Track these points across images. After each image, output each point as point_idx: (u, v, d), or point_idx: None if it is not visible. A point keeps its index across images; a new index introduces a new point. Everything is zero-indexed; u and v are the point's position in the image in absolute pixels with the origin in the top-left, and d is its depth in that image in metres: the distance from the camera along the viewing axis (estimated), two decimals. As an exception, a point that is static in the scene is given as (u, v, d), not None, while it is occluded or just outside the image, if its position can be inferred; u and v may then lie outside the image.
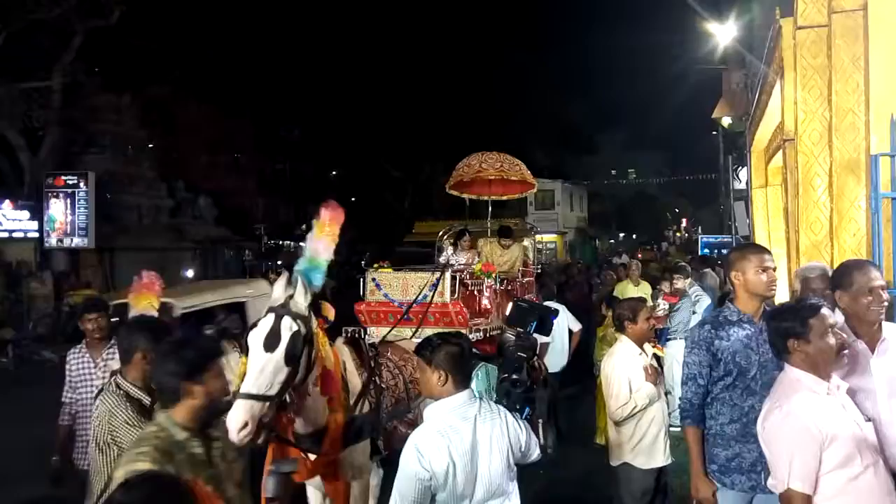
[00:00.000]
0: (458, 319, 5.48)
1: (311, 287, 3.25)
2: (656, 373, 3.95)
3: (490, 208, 8.63)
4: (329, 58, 31.02)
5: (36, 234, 19.12)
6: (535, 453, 2.80)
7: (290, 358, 3.01)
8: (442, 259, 7.23)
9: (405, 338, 5.07)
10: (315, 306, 3.33)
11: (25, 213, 18.91)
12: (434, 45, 31.77)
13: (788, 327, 2.53)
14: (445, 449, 2.49)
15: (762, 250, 3.12)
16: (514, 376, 3.27)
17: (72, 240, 19.34)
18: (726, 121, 18.11)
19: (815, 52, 4.28)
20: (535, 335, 3.92)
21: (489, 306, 6.01)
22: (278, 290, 3.19)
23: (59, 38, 18.65)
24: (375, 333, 5.55)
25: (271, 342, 3.00)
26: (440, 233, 7.98)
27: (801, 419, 2.37)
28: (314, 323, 3.25)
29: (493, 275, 6.10)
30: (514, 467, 2.68)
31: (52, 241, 19.27)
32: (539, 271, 8.08)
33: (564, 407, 6.52)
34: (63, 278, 18.67)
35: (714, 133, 23.40)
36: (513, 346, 3.47)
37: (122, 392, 3.03)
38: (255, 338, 3.03)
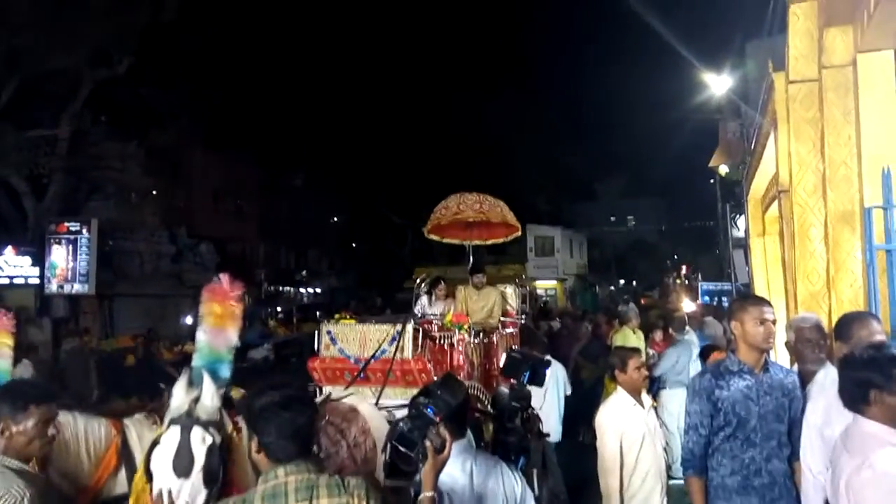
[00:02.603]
0: (421, 378, 4.90)
1: (218, 382, 2.75)
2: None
3: (471, 255, 8.07)
4: (330, 105, 31.51)
5: (37, 281, 19.12)
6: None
7: (211, 478, 2.51)
8: (416, 309, 6.74)
9: (350, 395, 4.48)
10: (225, 399, 2.87)
11: (27, 260, 18.95)
12: (434, 93, 32.33)
13: (870, 378, 2.37)
14: (446, 498, 2.48)
15: (762, 302, 3.15)
16: (509, 425, 3.26)
17: (72, 286, 19.32)
18: (723, 169, 18.34)
19: (808, 105, 4.39)
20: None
21: (462, 362, 5.49)
22: (179, 396, 2.64)
23: (67, 88, 19.02)
24: (356, 393, 4.88)
25: (183, 464, 2.48)
26: (417, 280, 7.53)
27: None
28: (228, 423, 2.74)
29: (466, 326, 5.65)
30: None
31: (53, 287, 19.26)
32: (522, 321, 7.46)
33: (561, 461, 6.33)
34: (62, 325, 18.60)
35: (711, 181, 23.64)
36: (507, 396, 3.47)
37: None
38: (161, 460, 2.50)
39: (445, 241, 8.12)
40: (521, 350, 4.98)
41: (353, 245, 40.83)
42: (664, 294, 30.34)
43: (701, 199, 31.82)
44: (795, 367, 3.39)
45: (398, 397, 4.63)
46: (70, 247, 19.25)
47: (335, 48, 33.31)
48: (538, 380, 3.57)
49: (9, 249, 18.62)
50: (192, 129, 25.57)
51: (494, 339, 6.48)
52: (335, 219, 39.93)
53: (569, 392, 6.91)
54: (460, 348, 5.57)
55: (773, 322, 3.07)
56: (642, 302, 24.72)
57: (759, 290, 7.62)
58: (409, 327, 5.09)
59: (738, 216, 17.82)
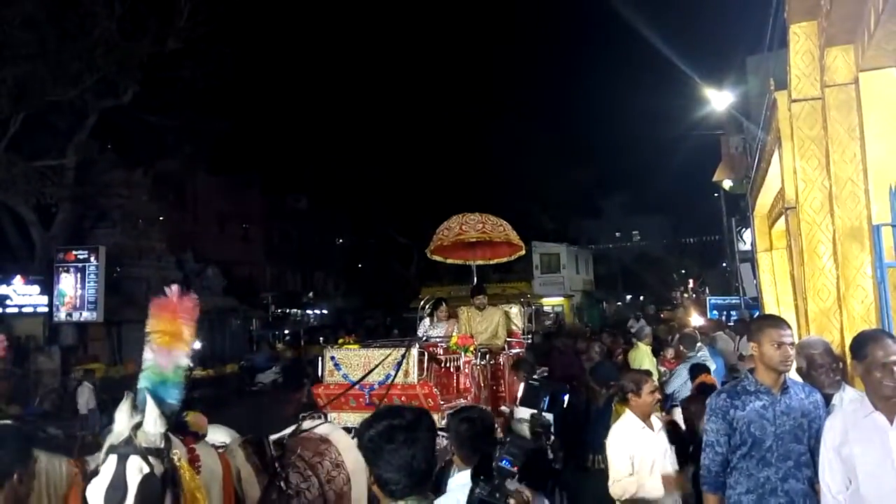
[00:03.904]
0: (427, 403, 4.88)
1: (165, 406, 2.54)
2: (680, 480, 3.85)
3: (476, 274, 8.04)
4: (333, 128, 31.75)
5: (45, 309, 19.21)
6: None
7: None
8: (420, 332, 6.69)
9: (321, 424, 4.27)
10: (179, 424, 2.72)
11: (36, 289, 19.06)
12: (437, 113, 32.52)
13: None
14: None
15: (780, 324, 3.15)
16: (532, 449, 3.25)
17: (81, 314, 19.40)
18: (727, 184, 18.37)
19: (811, 123, 4.41)
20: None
21: (469, 385, 5.45)
22: (121, 421, 2.42)
23: (73, 118, 19.23)
24: (337, 420, 4.94)
25: (117, 496, 2.27)
26: (421, 303, 7.47)
27: None
28: (178, 452, 2.54)
29: (472, 348, 5.60)
30: None
31: (62, 315, 19.34)
32: (530, 341, 7.46)
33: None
34: (70, 353, 18.65)
35: (716, 195, 23.64)
36: (528, 425, 3.47)
37: None
38: (96, 492, 2.30)
39: (449, 261, 8.10)
40: (540, 378, 4.96)
41: (359, 266, 40.85)
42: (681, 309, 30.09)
43: (706, 214, 31.77)
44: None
45: None
46: (78, 274, 19.35)
47: (338, 72, 33.66)
48: (557, 407, 3.58)
49: (17, 279, 18.74)
50: (197, 155, 25.76)
51: (501, 360, 6.48)
52: (340, 240, 40.03)
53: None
54: (466, 370, 5.55)
55: (791, 345, 3.08)
56: (662, 316, 24.54)
57: (769, 304, 7.60)
58: (414, 351, 5.08)
59: (743, 230, 17.81)
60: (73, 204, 20.03)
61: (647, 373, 4.48)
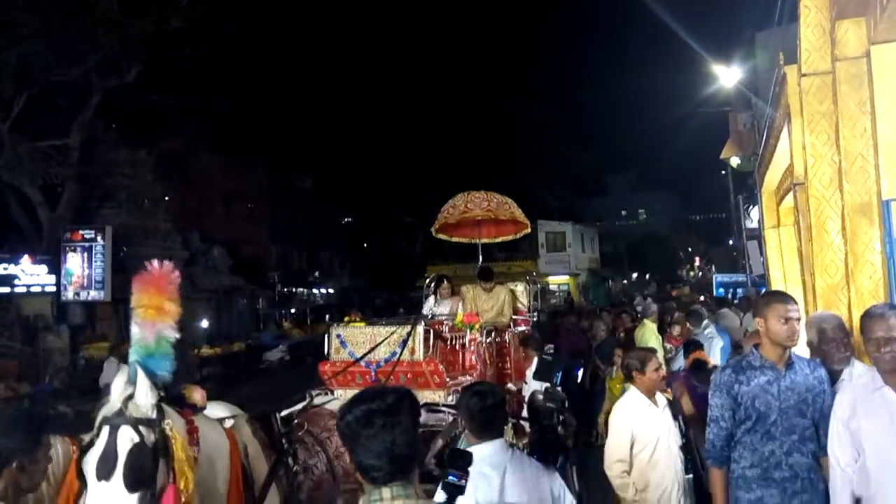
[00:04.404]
0: (433, 380, 4.91)
1: (156, 378, 2.56)
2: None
3: (481, 253, 8.00)
4: (337, 107, 31.60)
5: (53, 288, 19.32)
6: None
7: (136, 482, 2.29)
8: (425, 310, 6.66)
9: (333, 400, 4.27)
10: (175, 397, 2.75)
11: (43, 268, 19.16)
12: (444, 91, 32.34)
13: None
14: (471, 496, 2.50)
15: (787, 300, 3.16)
16: (545, 423, 3.28)
17: (88, 293, 19.52)
18: (735, 161, 18.25)
19: (821, 97, 4.35)
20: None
21: (475, 362, 5.47)
22: (115, 393, 2.45)
23: (77, 98, 19.19)
24: (343, 397, 4.76)
25: (107, 466, 2.27)
26: (426, 281, 7.40)
27: None
28: (171, 422, 2.55)
29: (477, 326, 5.62)
30: None
31: (69, 294, 19.46)
32: (535, 319, 7.42)
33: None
34: (79, 331, 18.81)
35: (723, 173, 23.51)
36: (541, 398, 3.49)
37: None
38: (88, 463, 2.30)
39: (454, 240, 8.08)
40: (553, 353, 4.97)
41: (365, 245, 40.91)
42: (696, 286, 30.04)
43: (713, 191, 31.67)
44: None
45: None
46: (85, 254, 19.43)
47: (343, 50, 33.41)
48: (570, 382, 3.58)
49: (25, 258, 18.84)
50: (202, 134, 25.71)
51: (507, 337, 6.50)
52: (346, 220, 40.05)
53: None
54: (472, 348, 5.56)
55: (798, 320, 3.09)
56: (674, 294, 24.54)
57: (775, 281, 7.57)
58: (420, 329, 5.08)
59: (751, 207, 17.72)
60: (79, 184, 20.05)
61: (652, 350, 4.48)
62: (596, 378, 8.20)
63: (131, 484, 2.26)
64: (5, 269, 18.45)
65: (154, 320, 2.66)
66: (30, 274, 18.93)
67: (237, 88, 25.50)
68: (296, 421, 3.58)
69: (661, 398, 4.03)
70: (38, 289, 19.12)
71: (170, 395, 2.69)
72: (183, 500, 2.48)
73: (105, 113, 20.74)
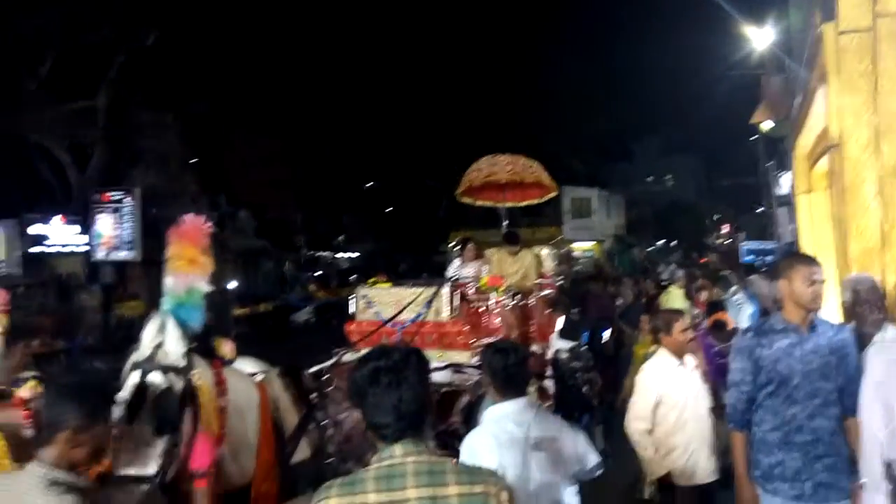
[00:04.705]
0: (458, 341, 4.94)
1: (187, 328, 2.63)
2: None
3: (504, 218, 7.90)
4: (363, 70, 31.37)
5: (84, 248, 19.74)
6: (594, 464, 2.79)
7: (161, 426, 2.37)
8: (450, 272, 6.68)
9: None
10: (204, 347, 2.79)
11: (75, 228, 19.55)
12: (467, 54, 31.86)
13: None
14: (496, 452, 2.53)
15: (811, 262, 3.10)
16: (570, 383, 3.29)
17: (119, 253, 19.90)
18: (766, 125, 17.79)
19: (860, 56, 4.22)
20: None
21: (499, 324, 5.43)
22: (146, 340, 2.56)
23: (103, 60, 19.29)
24: None
25: (133, 410, 2.37)
26: (451, 244, 7.47)
27: None
28: (200, 372, 2.59)
29: (502, 288, 5.62)
30: (572, 479, 2.70)
31: (100, 254, 19.85)
32: (561, 282, 7.35)
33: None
34: (111, 291, 19.23)
35: (754, 138, 23.00)
36: (566, 358, 3.50)
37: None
38: (120, 406, 2.37)
39: (478, 204, 7.97)
40: (580, 313, 4.97)
41: (389, 209, 40.97)
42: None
43: (742, 157, 31.02)
44: (848, 326, 3.35)
45: (434, 360, 4.69)
46: (114, 215, 19.76)
47: (366, 11, 32.97)
48: (596, 342, 3.59)
49: (57, 219, 19.23)
50: (227, 98, 25.74)
51: (532, 301, 6.51)
52: (370, 184, 40.06)
53: None
54: (497, 311, 5.56)
55: (822, 282, 3.04)
56: (701, 261, 24.30)
57: (806, 248, 7.46)
58: (445, 290, 5.12)
59: (781, 173, 17.37)
60: (107, 146, 20.28)
61: (680, 312, 4.46)
62: (621, 344, 8.20)
63: (157, 428, 2.34)
64: (38, 229, 18.86)
65: (186, 272, 2.75)
66: (62, 234, 19.34)
67: (261, 51, 25.43)
68: (325, 376, 3.68)
69: (690, 360, 4.02)
70: (71, 249, 19.53)
71: (200, 346, 2.75)
72: (211, 448, 2.57)
73: (132, 76, 20.84)
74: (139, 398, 2.39)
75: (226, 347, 3.07)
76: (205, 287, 2.77)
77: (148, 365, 2.47)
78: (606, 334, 4.03)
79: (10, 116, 18.17)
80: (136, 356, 2.53)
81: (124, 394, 2.40)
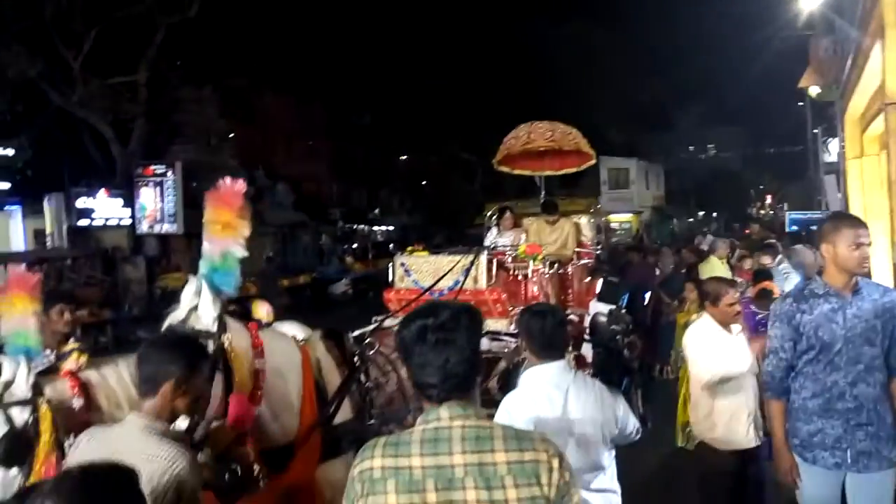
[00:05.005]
0: (496, 308, 4.95)
1: (221, 293, 2.63)
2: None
3: (543, 187, 7.80)
4: (400, 43, 31.14)
5: (129, 222, 20.24)
6: (633, 428, 2.75)
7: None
8: (487, 241, 6.66)
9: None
10: (242, 311, 2.85)
11: (119, 202, 20.05)
12: (502, 23, 31.40)
13: None
14: (534, 415, 2.51)
15: (858, 224, 2.95)
16: (611, 345, 3.23)
17: (162, 226, 20.36)
18: (814, 90, 17.15)
19: (921, 8, 4.01)
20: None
21: (537, 293, 5.40)
22: (184, 301, 2.59)
23: (143, 35, 19.53)
24: None
25: None
26: (488, 213, 7.35)
27: None
28: (232, 336, 2.60)
29: (540, 257, 5.56)
30: (611, 443, 2.67)
31: (144, 227, 20.34)
32: (598, 252, 7.22)
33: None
34: (154, 263, 19.72)
35: (800, 104, 22.27)
36: (605, 321, 3.44)
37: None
38: None
39: (516, 172, 7.90)
40: (620, 277, 4.89)
41: (423, 182, 40.93)
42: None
43: (788, 125, 30.14)
44: None
45: None
46: (157, 188, 20.19)
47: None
48: (637, 307, 3.51)
49: (101, 192, 19.71)
50: (264, 72, 25.89)
51: (570, 269, 6.44)
52: (404, 157, 40.02)
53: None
54: (535, 279, 5.54)
55: (869, 244, 2.90)
56: (746, 232, 23.78)
57: (856, 214, 7.22)
58: (483, 258, 5.12)
59: (829, 140, 16.79)
60: (148, 120, 20.63)
61: (731, 283, 4.31)
62: (659, 313, 8.09)
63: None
64: (84, 202, 19.37)
65: (221, 236, 2.73)
66: (107, 207, 19.84)
67: (296, 26, 25.43)
68: (367, 340, 3.65)
69: (735, 327, 3.93)
70: (115, 222, 20.05)
71: (237, 309, 2.80)
72: (248, 408, 2.60)
73: (171, 51, 21.07)
74: None
75: (262, 310, 3.09)
76: (240, 251, 2.74)
77: (181, 327, 2.52)
78: (647, 296, 3.94)
79: (55, 92, 18.61)
80: (172, 318, 2.58)
81: None
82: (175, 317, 2.57)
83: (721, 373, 3.63)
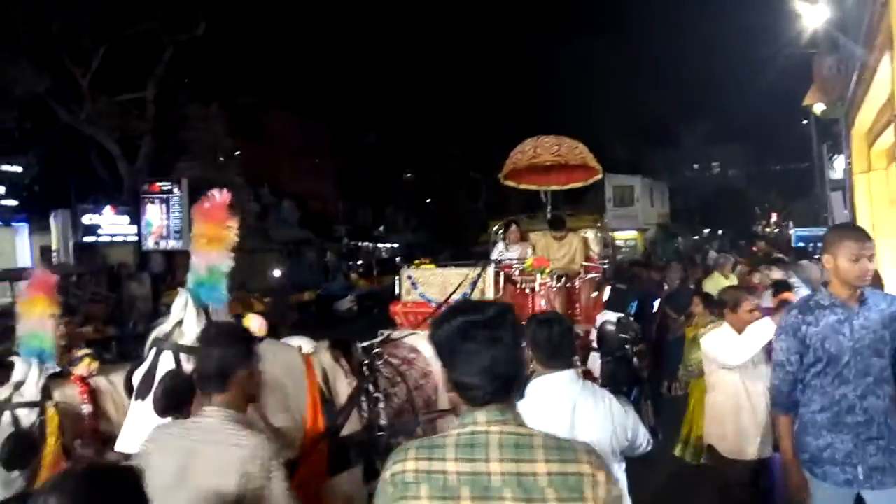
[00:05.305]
0: None
1: (207, 307, 2.63)
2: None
3: (549, 202, 7.80)
4: (401, 61, 31.42)
5: (135, 238, 20.27)
6: (643, 440, 2.70)
7: (166, 407, 2.33)
8: (494, 255, 6.66)
9: (412, 334, 4.23)
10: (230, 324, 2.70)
11: (125, 218, 20.11)
12: (507, 40, 31.63)
13: None
14: (541, 425, 2.47)
15: (862, 236, 2.87)
16: (618, 354, 3.20)
17: (168, 242, 20.39)
18: (819, 108, 17.16)
19: (928, 20, 4.01)
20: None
21: (544, 306, 5.40)
22: (172, 313, 2.56)
23: (150, 52, 19.73)
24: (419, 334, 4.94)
25: (144, 386, 2.37)
26: (494, 227, 7.33)
27: None
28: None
29: (547, 270, 5.57)
30: (621, 455, 2.62)
31: (150, 243, 20.39)
32: (606, 266, 7.25)
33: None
34: (160, 279, 19.70)
35: (804, 122, 22.28)
36: (613, 329, 3.40)
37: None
38: (136, 380, 2.43)
39: (522, 186, 7.87)
40: (626, 283, 4.86)
41: (428, 200, 41.03)
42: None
43: (792, 142, 30.11)
44: None
45: None
46: (163, 205, 20.26)
47: (406, 3, 33.02)
48: (646, 314, 3.48)
49: (108, 209, 19.79)
50: (271, 90, 26.08)
51: (577, 284, 6.41)
52: (409, 175, 40.16)
53: None
54: (542, 292, 5.53)
55: (871, 257, 2.83)
56: (752, 249, 23.70)
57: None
58: (490, 271, 5.13)
59: (835, 156, 16.77)
60: (155, 137, 20.76)
61: (749, 290, 4.30)
62: (666, 330, 8.02)
63: (161, 408, 2.33)
64: (90, 219, 19.44)
65: (206, 250, 2.70)
66: (113, 224, 19.90)
67: (302, 45, 25.64)
68: (376, 350, 3.62)
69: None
70: (121, 238, 20.10)
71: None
72: None
73: (179, 69, 21.27)
74: (151, 376, 2.40)
75: (254, 323, 2.99)
76: (227, 264, 2.72)
77: (164, 344, 2.48)
78: (656, 304, 3.90)
79: (63, 109, 18.76)
80: (158, 331, 2.54)
81: (141, 370, 2.44)
82: (161, 330, 2.53)
83: (753, 350, 3.57)
